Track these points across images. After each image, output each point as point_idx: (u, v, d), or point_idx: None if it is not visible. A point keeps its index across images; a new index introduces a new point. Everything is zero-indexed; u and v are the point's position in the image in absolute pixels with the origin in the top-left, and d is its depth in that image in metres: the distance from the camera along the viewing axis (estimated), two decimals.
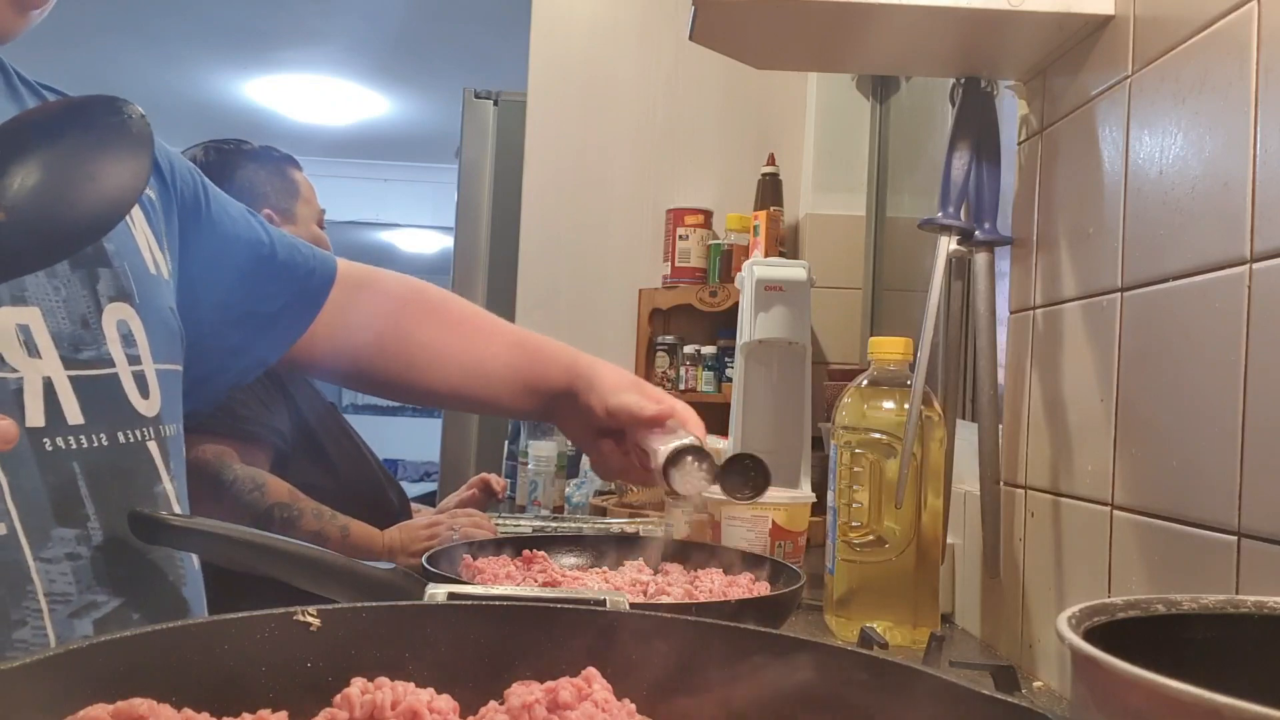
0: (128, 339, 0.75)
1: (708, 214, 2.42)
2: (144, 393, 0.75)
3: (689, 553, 1.09)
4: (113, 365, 0.73)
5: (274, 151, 1.76)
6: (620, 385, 0.96)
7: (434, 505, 1.92)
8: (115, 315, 0.74)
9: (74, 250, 0.66)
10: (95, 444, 0.70)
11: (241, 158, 1.70)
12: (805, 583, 0.96)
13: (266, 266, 0.95)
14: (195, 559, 0.80)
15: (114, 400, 0.73)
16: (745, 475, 0.85)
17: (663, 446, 0.85)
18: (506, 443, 2.53)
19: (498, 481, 1.83)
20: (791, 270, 1.83)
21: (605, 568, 1.08)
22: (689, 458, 0.83)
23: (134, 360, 0.75)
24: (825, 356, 2.28)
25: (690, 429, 0.89)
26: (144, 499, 0.74)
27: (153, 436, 0.76)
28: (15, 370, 0.66)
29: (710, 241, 2.40)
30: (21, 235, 0.52)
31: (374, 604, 0.52)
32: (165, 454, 0.77)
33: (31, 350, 0.67)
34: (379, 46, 4.67)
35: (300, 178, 1.76)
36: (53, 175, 0.52)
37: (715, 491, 0.84)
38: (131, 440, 0.74)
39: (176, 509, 0.78)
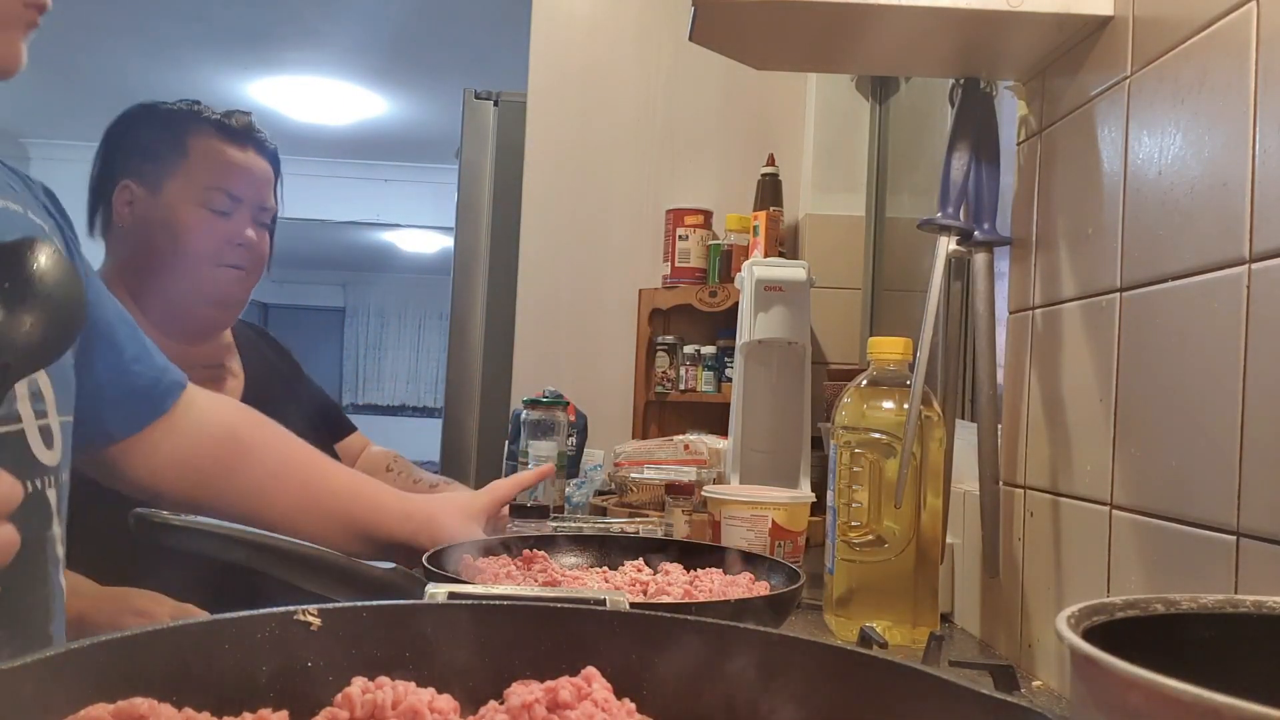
0: (36, 395, 0.78)
1: (707, 214, 2.42)
2: (48, 443, 0.79)
3: (689, 553, 1.09)
4: (19, 421, 0.76)
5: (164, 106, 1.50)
6: (465, 538, 0.99)
7: None
8: None
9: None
10: None
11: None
12: (805, 582, 0.96)
13: (119, 347, 0.95)
14: (65, 600, 0.84)
15: (18, 453, 0.76)
16: None
17: None
18: (507, 443, 2.53)
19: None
20: (791, 270, 1.83)
21: (605, 568, 1.08)
22: None
23: (40, 415, 0.79)
24: (825, 356, 2.28)
25: None
26: (37, 544, 0.78)
27: (52, 484, 0.80)
28: None
29: (710, 242, 2.40)
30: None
31: (374, 604, 0.52)
32: (60, 499, 0.82)
33: None
34: (379, 47, 4.67)
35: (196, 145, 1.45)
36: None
37: None
38: (33, 489, 0.77)
39: (60, 551, 0.82)
